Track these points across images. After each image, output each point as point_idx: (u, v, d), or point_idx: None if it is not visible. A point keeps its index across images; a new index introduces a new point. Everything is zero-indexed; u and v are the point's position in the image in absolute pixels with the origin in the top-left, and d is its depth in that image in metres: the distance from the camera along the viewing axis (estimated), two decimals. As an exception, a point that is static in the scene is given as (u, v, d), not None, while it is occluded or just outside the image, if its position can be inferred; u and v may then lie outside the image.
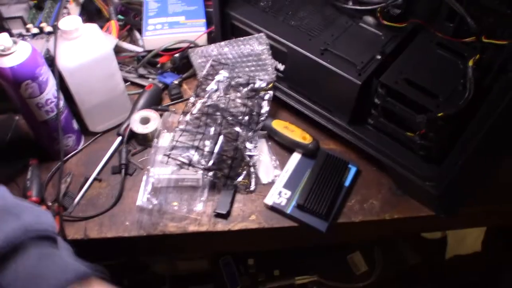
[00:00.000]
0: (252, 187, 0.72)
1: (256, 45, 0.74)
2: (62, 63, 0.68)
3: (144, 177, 0.72)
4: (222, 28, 0.80)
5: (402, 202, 0.71)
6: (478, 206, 0.72)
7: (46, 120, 0.69)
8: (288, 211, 0.68)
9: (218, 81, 0.75)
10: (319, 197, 0.68)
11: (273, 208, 0.69)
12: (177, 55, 0.86)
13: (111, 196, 0.71)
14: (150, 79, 0.88)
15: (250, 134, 0.73)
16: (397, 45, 0.69)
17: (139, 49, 0.89)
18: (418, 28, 0.70)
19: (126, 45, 0.90)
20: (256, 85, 0.75)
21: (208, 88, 0.74)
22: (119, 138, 0.77)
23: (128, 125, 0.77)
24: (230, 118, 0.73)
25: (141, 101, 0.81)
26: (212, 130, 0.72)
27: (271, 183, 0.72)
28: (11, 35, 0.82)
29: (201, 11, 0.92)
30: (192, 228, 0.68)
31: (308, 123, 0.78)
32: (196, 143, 0.70)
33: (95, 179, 0.73)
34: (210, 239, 0.70)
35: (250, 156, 0.72)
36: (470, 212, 0.72)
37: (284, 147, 0.77)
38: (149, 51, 0.87)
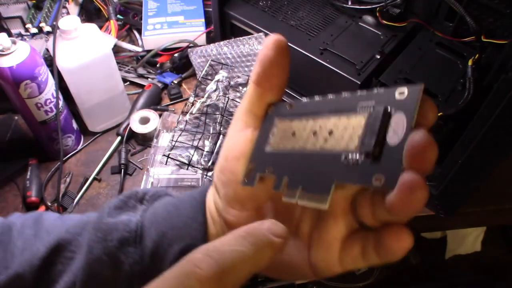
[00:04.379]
0: (252, 187, 0.71)
1: (255, 44, 0.74)
2: (61, 63, 0.68)
3: (144, 177, 0.72)
4: (221, 27, 0.80)
5: (402, 202, 0.71)
6: (478, 206, 0.72)
7: (45, 120, 0.68)
8: (288, 211, 0.68)
9: (218, 81, 0.74)
10: (318, 197, 0.67)
11: (273, 208, 0.69)
12: (176, 54, 0.86)
13: (110, 196, 0.71)
14: (149, 79, 0.87)
15: (249, 134, 0.73)
16: (396, 45, 0.69)
17: (138, 49, 0.89)
18: (418, 28, 0.70)
19: (125, 45, 0.90)
20: (256, 85, 0.75)
21: (207, 88, 0.74)
22: (119, 138, 0.77)
23: (127, 125, 0.77)
24: (230, 118, 0.73)
25: (141, 101, 0.81)
26: (211, 130, 0.72)
27: (271, 183, 0.72)
28: (10, 35, 0.82)
29: (200, 11, 0.92)
30: (192, 228, 0.68)
31: (308, 123, 0.78)
32: (195, 143, 0.70)
33: (94, 179, 0.73)
34: (209, 239, 0.70)
35: (250, 156, 0.72)
36: (470, 212, 0.72)
37: (284, 147, 0.77)
38: (148, 51, 0.87)
